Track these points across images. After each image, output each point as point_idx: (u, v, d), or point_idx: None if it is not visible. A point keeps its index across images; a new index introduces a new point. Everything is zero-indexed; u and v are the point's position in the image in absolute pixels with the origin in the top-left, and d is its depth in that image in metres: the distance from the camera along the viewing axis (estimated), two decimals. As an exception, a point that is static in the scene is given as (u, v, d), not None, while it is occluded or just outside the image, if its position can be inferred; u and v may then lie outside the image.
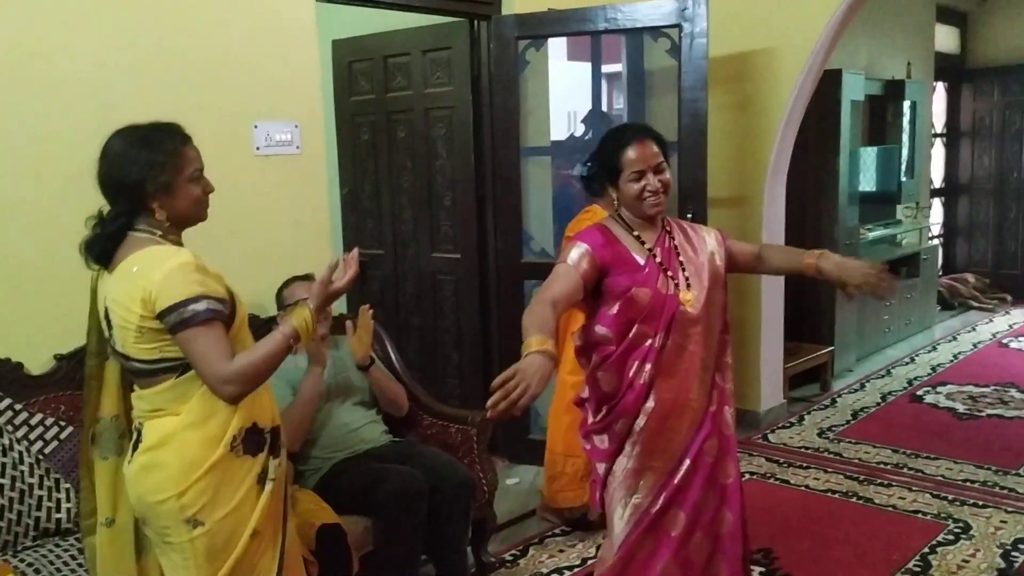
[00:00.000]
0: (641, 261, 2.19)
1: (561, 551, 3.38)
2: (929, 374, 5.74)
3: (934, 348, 6.41)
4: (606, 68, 4.59)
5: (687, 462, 2.18)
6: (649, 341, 2.14)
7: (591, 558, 3.29)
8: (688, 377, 2.18)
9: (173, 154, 1.87)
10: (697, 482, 2.20)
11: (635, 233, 2.23)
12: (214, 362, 1.77)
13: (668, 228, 2.28)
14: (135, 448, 1.90)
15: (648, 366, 2.14)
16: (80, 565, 2.39)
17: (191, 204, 1.91)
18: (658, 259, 2.20)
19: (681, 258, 2.23)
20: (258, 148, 3.20)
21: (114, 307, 1.83)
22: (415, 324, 4.55)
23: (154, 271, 1.78)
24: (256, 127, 3.18)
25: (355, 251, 2.01)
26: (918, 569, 3.18)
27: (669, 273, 2.20)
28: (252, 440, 1.88)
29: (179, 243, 1.92)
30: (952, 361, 6.05)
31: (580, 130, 4.45)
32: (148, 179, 1.83)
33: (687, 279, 2.20)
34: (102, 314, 1.92)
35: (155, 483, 1.83)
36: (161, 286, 1.77)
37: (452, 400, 4.22)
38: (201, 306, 1.77)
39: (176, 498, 1.82)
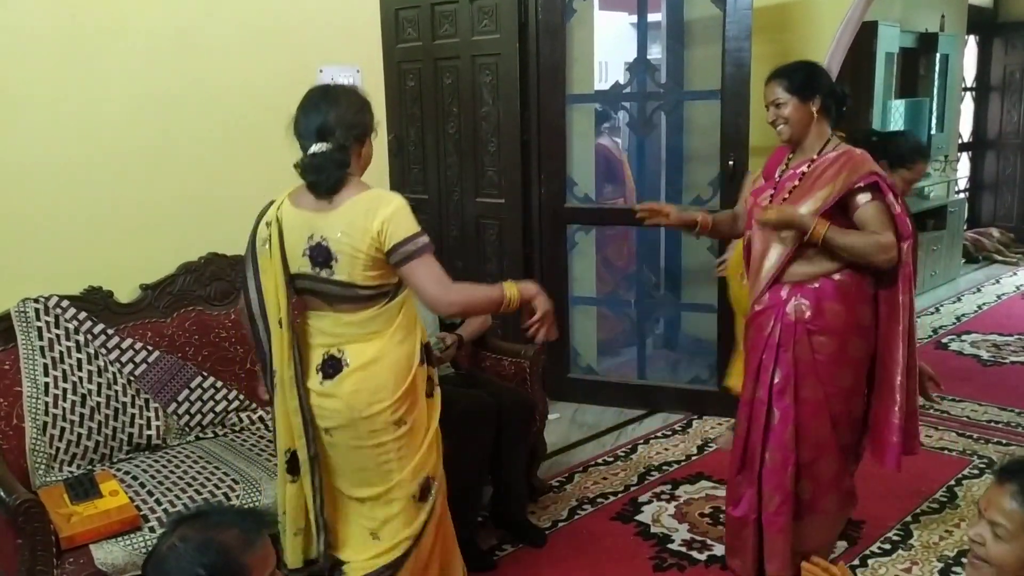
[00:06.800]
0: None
1: (604, 478, 3.57)
2: (954, 323, 5.88)
3: (958, 299, 6.53)
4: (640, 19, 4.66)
5: None
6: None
7: (634, 485, 3.49)
8: None
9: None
10: None
11: (789, 156, 2.59)
12: (441, 285, 2.07)
13: (814, 158, 2.50)
14: (334, 371, 2.11)
15: None
16: (171, 473, 2.60)
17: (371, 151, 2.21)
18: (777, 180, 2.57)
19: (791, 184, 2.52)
20: (323, 92, 3.35)
21: (344, 239, 2.04)
22: (459, 267, 4.69)
23: (383, 209, 2.03)
24: (321, 71, 3.32)
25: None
26: (944, 499, 3.36)
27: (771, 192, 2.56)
28: (425, 353, 2.21)
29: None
30: (976, 311, 6.17)
31: (625, 78, 4.54)
32: (372, 123, 2.15)
33: (783, 200, 2.50)
34: (305, 250, 2.10)
35: (372, 396, 2.08)
36: (392, 223, 2.02)
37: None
38: (424, 239, 2.04)
39: (391, 405, 2.09)
